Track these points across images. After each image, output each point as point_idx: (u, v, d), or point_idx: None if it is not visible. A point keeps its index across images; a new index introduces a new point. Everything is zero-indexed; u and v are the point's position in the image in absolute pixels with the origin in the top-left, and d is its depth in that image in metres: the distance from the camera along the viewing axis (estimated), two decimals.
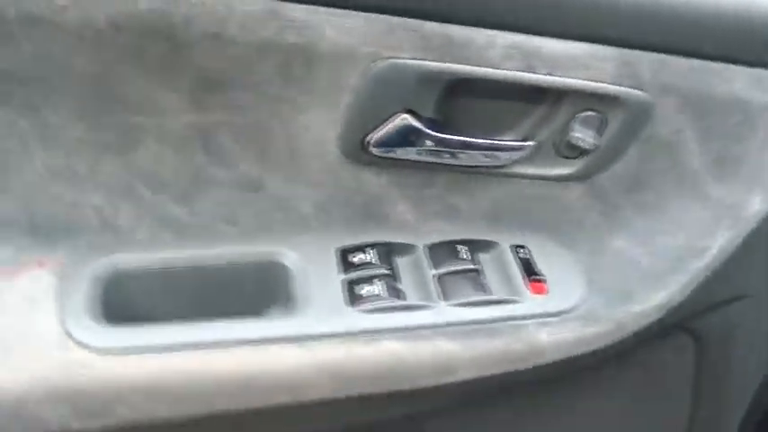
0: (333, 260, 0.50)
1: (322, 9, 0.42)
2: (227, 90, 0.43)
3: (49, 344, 0.42)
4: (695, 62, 0.49)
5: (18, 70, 0.39)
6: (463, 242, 0.53)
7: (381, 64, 0.44)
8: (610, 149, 0.52)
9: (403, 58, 0.44)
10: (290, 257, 0.50)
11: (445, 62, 0.45)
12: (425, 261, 0.51)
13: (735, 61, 0.50)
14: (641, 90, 0.49)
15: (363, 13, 0.42)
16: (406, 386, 0.48)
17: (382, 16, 0.43)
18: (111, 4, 0.38)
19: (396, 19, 0.43)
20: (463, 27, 0.44)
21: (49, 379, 0.41)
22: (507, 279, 0.52)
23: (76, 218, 0.46)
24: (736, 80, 0.51)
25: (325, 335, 0.46)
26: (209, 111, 0.44)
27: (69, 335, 0.42)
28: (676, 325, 0.60)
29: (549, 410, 0.66)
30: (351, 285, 0.49)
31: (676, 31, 0.48)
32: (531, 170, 0.53)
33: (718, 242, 0.54)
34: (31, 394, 0.41)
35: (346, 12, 0.42)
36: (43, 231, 0.46)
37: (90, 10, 0.38)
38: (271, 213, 0.50)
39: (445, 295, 0.50)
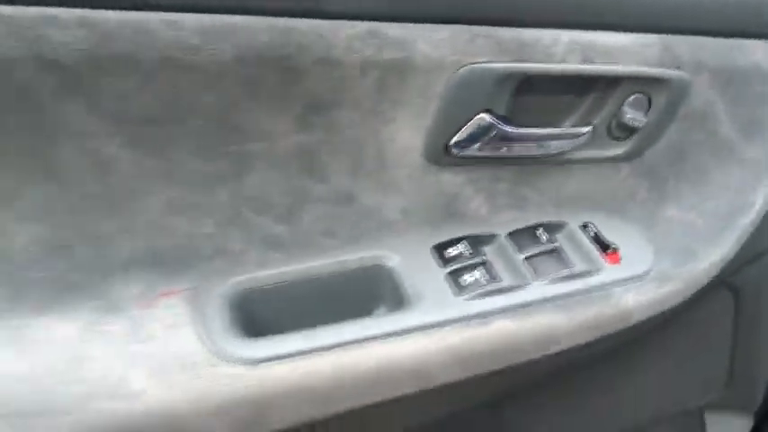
0: (430, 257, 0.54)
1: (415, 25, 0.46)
2: (330, 110, 0.47)
3: (198, 363, 0.44)
4: (722, 41, 0.56)
5: (152, 112, 0.42)
6: (538, 226, 0.58)
7: (463, 70, 0.49)
8: (654, 127, 0.58)
9: (481, 63, 0.49)
10: (392, 259, 0.53)
11: (518, 62, 0.50)
12: (510, 247, 0.56)
13: (754, 36, 0.57)
14: (680, 69, 0.55)
15: (449, 26, 0.47)
16: (517, 360, 0.52)
17: (464, 27, 0.47)
18: (236, 40, 0.42)
19: (475, 28, 0.48)
20: (531, 29, 0.49)
21: (206, 395, 0.43)
22: (584, 254, 0.57)
23: (192, 248, 0.49)
24: (757, 52, 0.57)
25: (441, 323, 0.50)
26: (312, 131, 0.48)
27: (215, 353, 0.45)
28: (719, 281, 0.66)
29: (616, 372, 0.71)
30: (453, 276, 0.53)
31: (706, 15, 0.55)
32: (588, 154, 0.58)
33: (759, 198, 0.60)
34: (191, 411, 0.43)
35: (435, 26, 0.46)
36: (165, 264, 0.48)
37: (217, 47, 0.41)
38: (363, 223, 0.54)
39: (537, 274, 0.54)
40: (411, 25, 0.46)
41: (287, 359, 0.46)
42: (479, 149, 0.54)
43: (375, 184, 0.53)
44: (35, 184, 0.42)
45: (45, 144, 0.41)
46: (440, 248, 0.55)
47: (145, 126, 0.43)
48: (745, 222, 0.60)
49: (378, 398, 0.48)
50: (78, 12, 0.37)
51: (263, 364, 0.45)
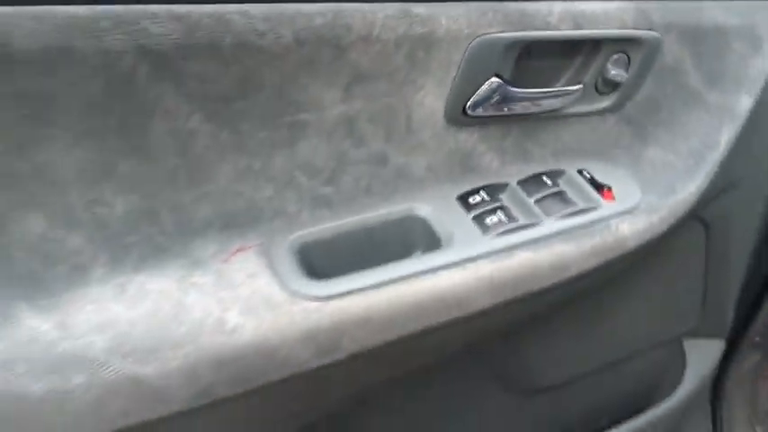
0: (456, 205, 0.63)
1: (437, 4, 0.54)
2: (369, 81, 0.55)
3: (280, 302, 0.52)
4: (687, 3, 0.65)
5: (226, 91, 0.49)
6: (542, 174, 0.67)
7: (477, 41, 0.57)
8: (634, 82, 0.68)
9: (492, 33, 0.57)
10: (424, 210, 0.62)
11: (521, 31, 0.59)
12: (521, 192, 0.65)
13: None
14: (653, 30, 0.65)
15: (464, 3, 0.55)
16: (538, 286, 0.61)
17: (477, 3, 0.56)
18: (295, 24, 0.49)
19: (485, 4, 0.56)
20: (531, 2, 0.58)
21: (289, 327, 0.51)
22: (583, 194, 0.66)
23: (256, 210, 0.56)
24: (716, 12, 0.67)
25: (473, 258, 0.58)
26: (354, 101, 0.56)
27: (291, 293, 0.52)
28: (693, 214, 0.76)
29: (614, 301, 0.81)
30: (478, 219, 0.61)
31: None
32: (579, 108, 0.67)
33: (724, 136, 0.70)
34: (279, 341, 0.51)
35: (453, 3, 0.55)
36: (235, 225, 0.56)
37: (281, 31, 0.49)
38: (395, 180, 0.62)
39: (546, 213, 0.63)
40: (434, 4, 0.54)
41: (351, 295, 0.54)
42: (490, 109, 0.62)
43: (404, 146, 0.61)
44: (129, 159, 0.49)
45: (138, 123, 0.48)
46: (463, 197, 0.63)
47: (220, 103, 0.50)
48: (715, 158, 0.70)
49: (426, 324, 0.57)
50: (170, 7, 0.44)
51: (332, 300, 0.53)
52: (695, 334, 1.03)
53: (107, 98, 0.45)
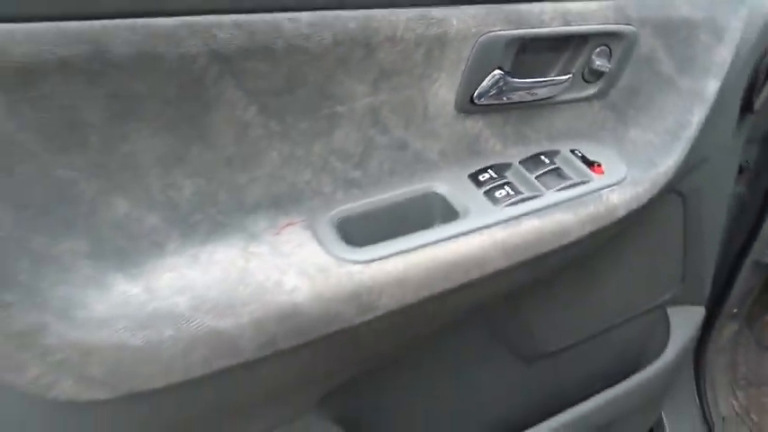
0: (468, 182, 0.72)
1: (450, 7, 0.63)
2: (393, 76, 0.64)
3: (328, 266, 0.60)
4: (660, 1, 0.75)
5: (277, 86, 0.58)
6: (540, 153, 0.76)
7: (483, 38, 0.66)
8: (615, 71, 0.78)
9: (495, 32, 0.67)
10: (441, 188, 0.71)
11: (519, 29, 0.68)
12: (523, 170, 0.74)
13: None
14: (630, 25, 0.75)
15: (471, 6, 0.65)
16: (543, 249, 0.70)
17: (482, 5, 0.65)
18: (334, 28, 0.58)
19: (489, 6, 0.66)
20: (527, 3, 0.68)
21: (338, 287, 0.60)
22: (577, 170, 0.76)
23: (297, 191, 0.65)
24: (683, 7, 0.78)
25: (488, 225, 0.68)
26: (379, 94, 0.65)
27: (336, 258, 0.61)
28: (671, 187, 0.86)
29: (605, 269, 0.91)
30: (488, 194, 0.70)
31: None
32: (569, 96, 0.77)
33: (695, 116, 0.80)
34: (330, 299, 0.59)
35: (464, 6, 0.64)
36: (280, 205, 0.64)
37: (322, 34, 0.57)
38: (414, 163, 0.71)
39: (546, 186, 0.73)
40: (446, 8, 0.63)
41: (386, 259, 0.62)
42: (493, 98, 0.72)
43: (421, 132, 0.70)
44: (196, 147, 0.57)
45: (204, 115, 0.56)
46: (474, 176, 0.72)
47: (271, 97, 0.58)
48: (688, 135, 0.80)
49: (450, 284, 0.65)
50: (234, 16, 0.53)
51: (371, 263, 0.62)
52: (677, 302, 1.14)
53: (181, 95, 0.54)
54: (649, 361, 1.12)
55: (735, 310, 1.44)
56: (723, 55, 0.80)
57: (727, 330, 1.49)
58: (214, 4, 0.52)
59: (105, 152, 0.53)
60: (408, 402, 0.87)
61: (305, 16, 0.56)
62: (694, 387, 1.45)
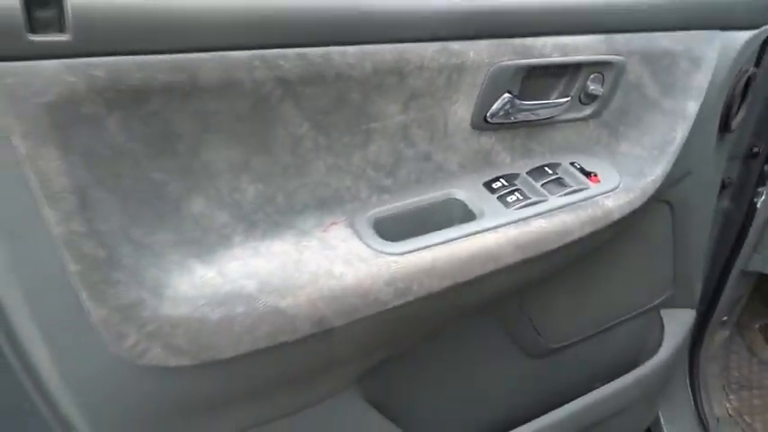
0: (483, 189, 0.83)
1: (466, 41, 0.76)
2: (420, 97, 0.76)
3: (369, 257, 0.72)
4: (644, 35, 0.88)
5: (325, 106, 0.70)
6: (544, 165, 0.88)
7: (495, 67, 0.79)
8: (608, 94, 0.90)
9: (505, 61, 0.79)
10: (460, 194, 0.82)
11: (525, 59, 0.80)
12: (530, 179, 0.86)
13: (663, 30, 0.90)
14: (619, 55, 0.87)
15: (485, 40, 0.77)
16: (548, 247, 0.82)
17: (494, 40, 0.78)
18: (374, 58, 0.70)
19: (500, 40, 0.78)
20: (531, 38, 0.80)
21: (378, 274, 0.71)
22: (576, 179, 0.87)
23: (339, 196, 0.76)
24: (664, 40, 0.90)
25: (502, 224, 0.79)
26: (409, 113, 0.77)
27: (376, 250, 0.72)
28: (660, 196, 0.98)
29: (600, 269, 1.02)
30: (501, 199, 0.82)
31: (633, 20, 0.87)
32: (568, 116, 0.89)
33: (678, 133, 0.92)
34: (372, 284, 0.70)
35: (478, 41, 0.76)
36: (325, 207, 0.75)
37: (364, 64, 0.69)
38: (436, 173, 0.83)
39: (551, 192, 0.84)
40: (464, 42, 0.76)
41: (418, 251, 0.74)
42: (503, 118, 0.84)
43: (442, 146, 0.82)
44: (259, 157, 0.69)
45: (267, 130, 0.68)
46: (487, 184, 0.84)
47: (320, 115, 0.70)
48: (672, 150, 0.92)
49: (471, 275, 0.77)
50: (296, 50, 0.65)
51: (405, 255, 0.73)
52: (670, 304, 1.24)
53: (251, 113, 0.66)
54: (645, 359, 1.23)
55: (724, 318, 1.55)
56: (700, 80, 0.92)
57: (718, 336, 1.60)
58: (280, 39, 0.64)
59: (190, 159, 0.64)
60: (426, 388, 0.97)
61: (351, 49, 0.68)
62: (689, 390, 1.55)
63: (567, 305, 1.06)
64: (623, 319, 1.17)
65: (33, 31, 0.52)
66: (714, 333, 1.54)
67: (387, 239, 0.75)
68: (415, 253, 0.74)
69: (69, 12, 0.53)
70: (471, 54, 0.76)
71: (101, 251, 0.59)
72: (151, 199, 0.63)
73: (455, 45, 0.75)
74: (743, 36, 0.96)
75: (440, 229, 0.77)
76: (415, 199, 0.81)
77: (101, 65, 0.55)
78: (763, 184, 1.26)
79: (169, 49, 0.59)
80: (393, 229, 0.77)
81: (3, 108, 0.52)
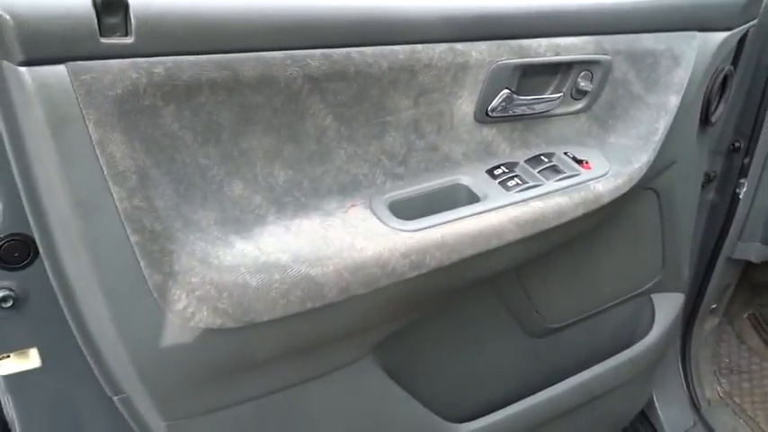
0: (486, 176, 0.93)
1: (469, 43, 0.85)
2: (429, 93, 0.86)
3: (386, 233, 0.81)
4: (629, 36, 0.98)
5: (347, 100, 0.79)
6: (540, 155, 0.98)
7: (495, 65, 0.88)
8: (597, 90, 1.00)
9: (504, 60, 0.89)
10: (465, 180, 0.92)
11: (522, 58, 0.90)
12: (527, 166, 0.95)
13: (645, 31, 1.00)
14: (607, 55, 0.97)
15: (486, 41, 0.87)
16: (545, 226, 0.91)
17: (494, 41, 0.87)
18: (390, 57, 0.79)
19: (499, 41, 0.88)
20: (528, 39, 0.90)
21: (395, 247, 0.80)
22: (570, 166, 0.97)
23: (357, 181, 0.85)
24: (648, 40, 1.00)
25: (503, 205, 0.88)
26: (419, 107, 0.86)
27: (393, 227, 0.82)
28: (646, 184, 1.07)
29: (593, 253, 1.11)
30: (502, 183, 0.91)
31: (619, 23, 0.97)
32: (561, 110, 0.99)
33: (662, 125, 1.02)
34: (390, 256, 0.79)
35: (480, 42, 0.86)
36: (346, 191, 0.85)
37: (381, 62, 0.79)
38: (444, 162, 0.92)
39: (547, 178, 0.94)
40: (467, 43, 0.85)
41: (430, 228, 0.83)
42: (503, 112, 0.93)
43: (449, 138, 0.91)
44: (290, 145, 0.78)
45: (296, 121, 0.77)
46: (490, 171, 0.93)
47: (343, 108, 0.80)
48: (656, 140, 1.02)
49: (478, 250, 0.85)
50: (321, 50, 0.75)
51: (419, 231, 0.82)
52: (660, 288, 1.33)
53: (284, 106, 0.75)
54: (638, 340, 1.32)
55: (714, 306, 1.64)
56: (681, 76, 1.02)
57: (708, 324, 1.69)
58: (308, 41, 0.74)
59: (231, 146, 0.74)
60: (434, 362, 1.06)
61: (369, 50, 0.78)
62: (682, 375, 1.63)
63: (563, 288, 1.15)
64: (617, 301, 1.26)
65: (104, 35, 0.62)
66: (704, 320, 1.62)
67: (401, 219, 0.84)
68: (427, 230, 0.83)
69: (133, 19, 0.62)
70: (474, 54, 0.86)
71: (157, 224, 0.68)
72: (198, 181, 0.72)
73: (460, 46, 0.85)
74: (719, 36, 1.06)
75: (448, 210, 0.86)
76: (425, 185, 0.90)
77: (159, 63, 0.65)
78: (745, 176, 1.35)
79: (215, 50, 0.68)
80: (406, 211, 0.86)
81: (81, 100, 0.61)
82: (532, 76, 0.94)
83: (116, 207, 0.65)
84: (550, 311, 1.16)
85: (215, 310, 0.71)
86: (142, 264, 0.68)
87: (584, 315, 1.22)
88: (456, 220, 0.85)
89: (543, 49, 0.91)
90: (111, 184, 0.64)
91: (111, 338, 0.71)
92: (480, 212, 0.87)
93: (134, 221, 0.67)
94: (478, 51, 0.86)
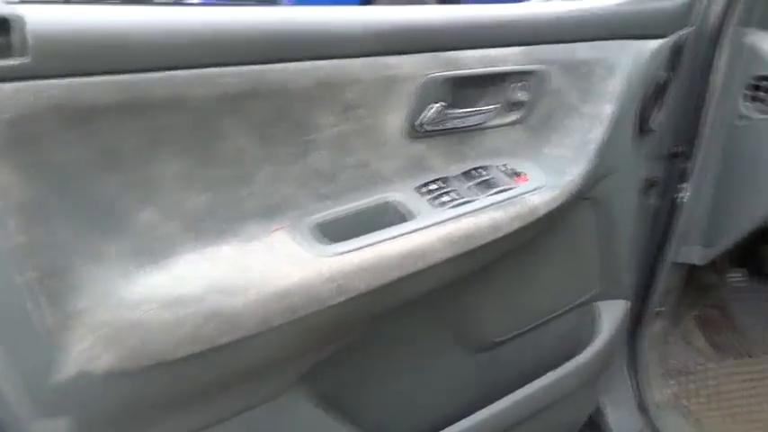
0: (416, 193, 0.90)
1: (399, 55, 0.82)
2: (357, 108, 0.82)
3: (309, 258, 0.77)
4: (563, 46, 0.96)
5: (266, 119, 0.74)
6: (475, 168, 0.95)
7: (425, 79, 0.85)
8: (532, 102, 0.98)
9: (434, 73, 0.86)
10: (396, 197, 0.88)
11: (453, 71, 0.87)
12: (461, 181, 0.92)
13: (578, 41, 0.98)
14: (542, 65, 0.95)
15: (417, 54, 0.84)
16: (479, 243, 0.88)
17: (424, 54, 0.84)
18: (312, 74, 0.75)
19: (429, 54, 0.85)
20: (457, 51, 0.87)
21: (319, 272, 0.76)
22: (504, 179, 0.95)
23: (284, 203, 0.81)
24: (583, 50, 0.98)
25: (434, 223, 0.85)
26: (347, 123, 0.82)
27: (318, 252, 0.78)
28: (583, 195, 1.06)
29: (532, 265, 1.09)
30: (434, 200, 0.88)
31: (553, 33, 0.95)
32: (497, 121, 0.97)
33: (597, 135, 1.01)
34: (314, 281, 0.76)
35: (408, 55, 0.83)
36: (270, 213, 0.81)
37: (303, 79, 0.75)
38: (372, 178, 0.89)
39: (482, 192, 0.91)
40: (396, 56, 0.82)
41: (354, 251, 0.79)
42: (435, 125, 0.90)
43: (378, 155, 0.88)
44: (206, 169, 0.73)
45: (210, 143, 0.73)
46: (421, 187, 0.90)
47: (262, 128, 0.76)
48: (591, 149, 1.00)
49: (405, 272, 0.82)
50: (233, 68, 0.70)
51: (342, 255, 0.78)
52: (603, 296, 1.33)
53: (196, 127, 0.71)
54: (583, 350, 1.31)
55: (659, 309, 1.64)
56: (615, 85, 1.01)
57: (655, 327, 1.69)
58: (220, 59, 0.69)
59: (139, 172, 0.69)
60: (372, 385, 1.03)
61: (290, 66, 0.74)
62: (629, 379, 1.63)
63: (504, 301, 1.13)
64: (559, 312, 1.25)
65: None
66: (650, 324, 1.63)
67: (327, 242, 0.80)
68: (353, 253, 0.79)
69: (29, 38, 0.57)
70: (403, 67, 0.83)
71: (58, 259, 0.63)
72: (104, 210, 0.67)
73: (387, 59, 0.81)
74: (653, 44, 1.05)
75: (377, 230, 0.83)
76: (354, 204, 0.87)
77: (57, 86, 0.60)
78: (686, 181, 1.35)
79: (119, 70, 0.63)
80: (334, 233, 0.82)
81: None
82: (466, 88, 0.91)
83: (11, 241, 0.60)
84: (492, 325, 1.14)
85: (122, 349, 0.67)
86: (42, 302, 0.63)
87: (527, 327, 1.20)
88: (384, 241, 0.82)
89: (476, 61, 0.89)
90: (3, 215, 0.59)
91: (7, 383, 0.66)
92: (409, 232, 0.83)
93: (31, 256, 0.61)
94: (407, 65, 0.83)
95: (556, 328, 1.26)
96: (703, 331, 1.84)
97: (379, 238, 0.82)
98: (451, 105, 0.90)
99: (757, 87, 1.18)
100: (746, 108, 1.19)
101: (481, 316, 1.10)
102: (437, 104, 0.88)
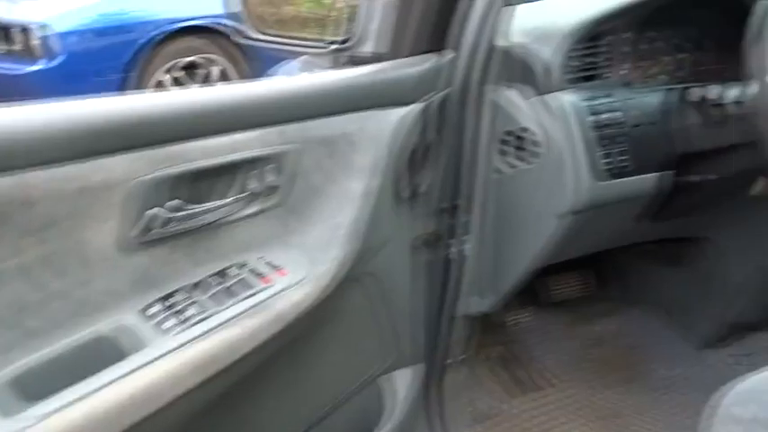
0: (138, 317, 0.74)
1: (100, 158, 0.67)
2: (39, 232, 0.65)
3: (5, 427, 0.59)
4: (316, 121, 0.87)
5: None
6: (214, 274, 0.82)
7: (132, 183, 0.70)
8: (288, 183, 0.87)
9: (144, 176, 0.72)
10: (108, 328, 0.73)
11: (172, 167, 0.73)
12: (193, 294, 0.79)
13: (331, 115, 0.89)
14: (294, 143, 0.85)
15: (118, 155, 0.69)
16: (216, 369, 0.74)
17: (128, 153, 0.70)
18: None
19: (135, 153, 0.70)
20: (186, 142, 0.74)
21: None
22: (254, 279, 0.82)
23: None
24: (322, 127, 0.89)
25: (156, 358, 0.70)
26: (28, 251, 0.65)
27: (16, 419, 0.60)
28: (356, 273, 0.97)
29: (299, 366, 0.98)
30: (156, 326, 0.73)
31: (302, 111, 0.85)
32: (250, 210, 0.84)
33: (350, 215, 0.91)
34: None
35: (112, 156, 0.68)
36: None
37: None
38: (79, 311, 0.71)
39: (219, 303, 0.78)
40: (96, 159, 0.67)
41: (62, 410, 0.63)
42: (160, 232, 0.75)
43: (81, 279, 0.71)
44: None
45: None
46: (144, 310, 0.75)
47: None
48: (355, 228, 0.91)
49: (127, 423, 0.66)
50: None
51: (48, 417, 0.61)
52: (394, 366, 1.26)
53: None
54: (383, 425, 1.23)
55: (458, 359, 1.62)
56: (358, 160, 0.93)
57: (453, 378, 1.67)
58: None
59: None
60: None
61: None
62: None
63: (282, 402, 1.01)
64: (348, 393, 1.15)
65: None
66: (451, 375, 1.60)
67: (31, 398, 0.63)
68: (60, 412, 0.63)
69: None
70: (99, 175, 0.68)
71: None
72: None
73: (73, 168, 0.66)
74: (401, 111, 0.99)
75: (90, 375, 0.67)
76: (63, 343, 0.70)
77: None
78: (468, 234, 1.34)
79: None
80: (37, 386, 0.65)
81: None
82: (200, 181, 0.79)
83: None
84: (273, 430, 1.01)
85: None
86: None
87: (314, 420, 1.09)
88: (94, 391, 0.65)
89: (213, 149, 0.76)
90: None
91: None
92: (127, 374, 0.68)
93: None
94: (105, 170, 0.68)
95: (346, 412, 1.16)
96: (506, 369, 1.87)
97: (93, 387, 0.65)
98: (189, 201, 0.76)
99: (506, 142, 1.20)
100: (499, 161, 1.21)
101: (258, 425, 0.97)
102: (154, 210, 0.74)
